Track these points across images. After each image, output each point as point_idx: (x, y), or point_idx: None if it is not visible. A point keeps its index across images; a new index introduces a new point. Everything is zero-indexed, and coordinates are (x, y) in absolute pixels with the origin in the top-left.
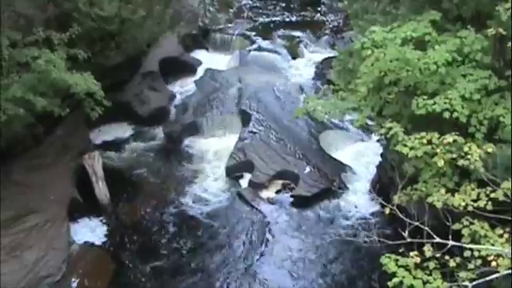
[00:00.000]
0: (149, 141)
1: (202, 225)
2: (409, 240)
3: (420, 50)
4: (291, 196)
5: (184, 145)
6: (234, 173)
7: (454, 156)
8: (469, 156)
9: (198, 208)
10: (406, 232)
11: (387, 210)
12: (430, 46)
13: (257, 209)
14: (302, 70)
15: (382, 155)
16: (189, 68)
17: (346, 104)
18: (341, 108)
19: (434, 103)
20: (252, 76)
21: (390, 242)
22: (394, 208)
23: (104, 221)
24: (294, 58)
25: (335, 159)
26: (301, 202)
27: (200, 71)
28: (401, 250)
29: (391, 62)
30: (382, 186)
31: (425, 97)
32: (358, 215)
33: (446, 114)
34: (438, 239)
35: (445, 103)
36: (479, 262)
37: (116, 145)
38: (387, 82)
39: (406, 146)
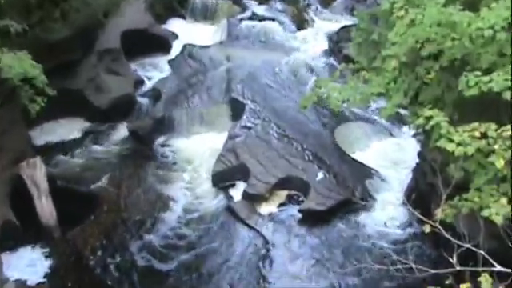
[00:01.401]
0: (109, 141)
1: (179, 254)
2: (458, 268)
3: (470, 10)
4: (299, 211)
5: (155, 146)
6: (222, 181)
7: None
8: None
9: (174, 231)
10: (454, 257)
11: (427, 228)
12: (484, 5)
13: (254, 229)
14: (311, 43)
15: (419, 155)
16: (161, 44)
17: (369, 88)
18: (363, 93)
19: (490, 80)
20: (244, 53)
21: (433, 271)
22: (437, 225)
23: (48, 250)
24: (299, 28)
25: (357, 161)
26: (312, 219)
27: (176, 48)
28: (448, 282)
29: (431, 28)
30: (419, 196)
31: (477, 73)
32: (389, 235)
33: (508, 95)
34: (498, 267)
35: (505, 80)
36: None
37: (65, 147)
38: (425, 55)
39: (451, 141)
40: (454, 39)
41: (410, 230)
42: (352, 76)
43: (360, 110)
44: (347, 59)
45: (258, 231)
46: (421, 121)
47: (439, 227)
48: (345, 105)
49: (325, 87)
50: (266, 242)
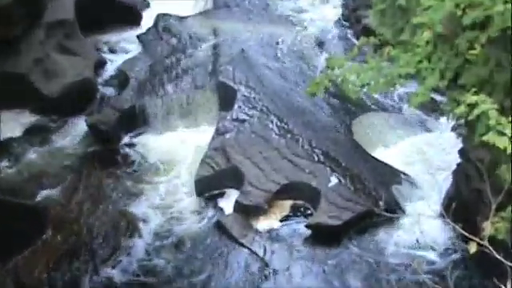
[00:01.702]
0: (61, 140)
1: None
2: None
3: None
4: (307, 227)
5: (122, 145)
6: (208, 190)
7: None
8: None
9: (143, 262)
10: (508, 285)
11: (472, 247)
12: None
13: (249, 249)
14: (320, 12)
15: (460, 153)
16: (128, 14)
17: (396, 68)
18: (388, 75)
19: None
20: (236, 26)
21: None
22: (485, 243)
23: None
24: None
25: (380, 162)
26: (323, 237)
27: (147, 19)
28: None
29: None
30: (461, 206)
31: None
32: (422, 257)
33: None
34: None
35: None
36: None
37: (4, 149)
38: (468, 23)
39: (502, 134)
40: (506, 2)
41: (449, 251)
42: (373, 53)
43: (384, 96)
44: (367, 31)
45: (254, 253)
46: (462, 109)
47: (488, 246)
48: (364, 90)
49: (339, 68)
50: (265, 266)
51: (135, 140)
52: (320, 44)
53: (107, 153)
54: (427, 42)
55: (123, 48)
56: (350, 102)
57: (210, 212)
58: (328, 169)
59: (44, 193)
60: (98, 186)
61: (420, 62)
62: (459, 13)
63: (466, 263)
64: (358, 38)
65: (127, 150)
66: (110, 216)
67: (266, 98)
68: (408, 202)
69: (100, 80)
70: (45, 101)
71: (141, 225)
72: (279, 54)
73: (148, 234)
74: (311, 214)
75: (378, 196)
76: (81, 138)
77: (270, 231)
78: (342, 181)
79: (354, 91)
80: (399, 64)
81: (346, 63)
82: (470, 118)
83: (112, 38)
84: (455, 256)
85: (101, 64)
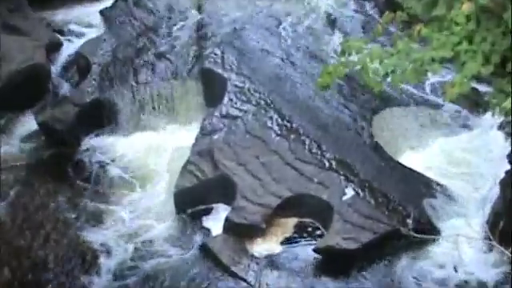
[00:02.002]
0: (3, 143)
1: None
2: None
3: None
4: (316, 250)
5: (82, 149)
6: (191, 205)
7: None
8: None
9: None
10: None
11: None
12: None
13: (243, 280)
14: None
15: (509, 158)
16: None
17: (428, 51)
18: (417, 60)
19: None
20: None
21: None
22: None
23: None
24: None
25: (408, 169)
26: (335, 265)
27: None
28: None
29: None
30: (511, 225)
31: None
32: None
33: None
34: None
35: None
36: None
37: None
38: None
39: None
40: None
41: (496, 278)
42: (400, 33)
43: (412, 86)
44: (391, 5)
45: (248, 284)
46: None
47: None
48: (388, 79)
49: (357, 53)
50: None
51: (98, 143)
52: (332, 21)
53: (62, 159)
54: (467, 18)
55: (83, 26)
56: (370, 94)
57: (194, 234)
58: (342, 178)
59: None
60: (48, 200)
61: (459, 43)
62: None
63: None
64: (380, 13)
65: (88, 155)
66: (64, 243)
67: (263, 90)
68: (443, 220)
69: (54, 66)
70: None
71: (102, 255)
72: (281, 35)
73: (109, 269)
74: (321, 236)
75: (405, 212)
76: (29, 139)
77: (268, 257)
78: (360, 193)
79: (376, 82)
80: (432, 46)
81: (364, 45)
82: None
83: (69, 13)
84: (502, 286)
85: (55, 46)
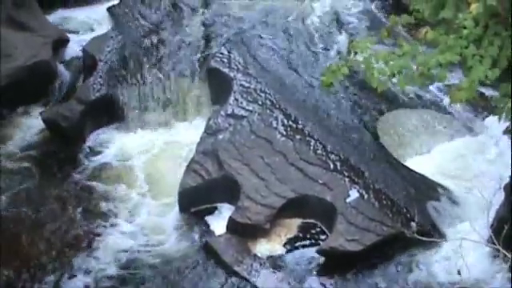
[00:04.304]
0: (9, 139)
1: None
2: None
3: None
4: (319, 252)
5: (87, 146)
6: (195, 204)
7: None
8: None
9: None
10: None
11: None
12: None
13: (246, 280)
14: None
15: None
16: None
17: (435, 54)
18: (425, 63)
19: None
20: None
21: None
22: None
23: None
24: None
25: (413, 172)
26: (339, 267)
27: None
28: None
29: None
30: None
31: None
32: None
33: None
34: None
35: None
36: None
37: None
38: None
39: None
40: None
41: (500, 283)
42: (406, 35)
43: (418, 89)
44: (399, 7)
45: (251, 284)
46: None
47: None
48: (394, 80)
49: (363, 53)
50: None
51: (104, 140)
52: (339, 22)
53: (67, 155)
54: (475, 21)
55: (90, 24)
56: (376, 96)
57: (197, 232)
58: (347, 180)
59: None
60: (54, 197)
61: (466, 46)
62: None
63: None
64: (387, 14)
65: (93, 151)
66: (74, 233)
67: (269, 89)
68: (447, 224)
69: (60, 63)
70: None
71: (111, 240)
72: (287, 34)
73: (119, 253)
74: (325, 237)
75: (409, 215)
76: (34, 135)
77: (271, 257)
78: (365, 195)
79: (381, 83)
80: (440, 49)
81: (370, 47)
82: None
83: (76, 10)
84: None
85: (62, 43)
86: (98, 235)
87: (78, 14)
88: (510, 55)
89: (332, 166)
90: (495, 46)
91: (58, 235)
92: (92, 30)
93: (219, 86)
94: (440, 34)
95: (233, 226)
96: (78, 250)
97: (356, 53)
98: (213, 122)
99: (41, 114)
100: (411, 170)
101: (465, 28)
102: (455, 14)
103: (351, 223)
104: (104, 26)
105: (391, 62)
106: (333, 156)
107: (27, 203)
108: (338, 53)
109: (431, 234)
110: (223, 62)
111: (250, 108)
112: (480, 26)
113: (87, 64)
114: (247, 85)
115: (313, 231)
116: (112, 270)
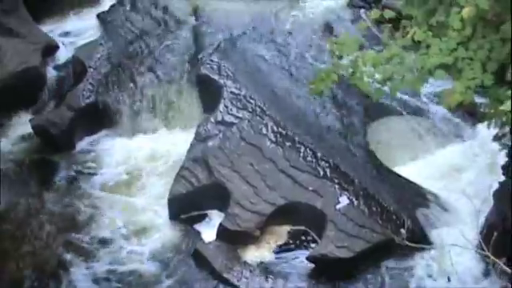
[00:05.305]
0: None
1: None
2: None
3: None
4: (309, 259)
5: (77, 153)
6: (185, 211)
7: None
8: None
9: None
10: None
11: None
12: None
13: (235, 287)
14: None
15: (504, 169)
16: None
17: (424, 57)
18: (414, 67)
19: None
20: (222, 4)
21: None
22: None
23: None
24: None
25: (403, 178)
26: (330, 272)
27: None
28: None
29: None
30: (504, 236)
31: None
32: None
33: None
34: None
35: None
36: None
37: None
38: None
39: None
40: None
41: None
42: (394, 40)
43: (407, 95)
44: (389, 12)
45: None
46: (509, 106)
47: None
48: (385, 88)
49: (348, 56)
50: None
51: (94, 147)
52: (329, 29)
53: (57, 163)
54: (462, 24)
55: (80, 29)
56: (365, 102)
57: (187, 240)
58: (336, 186)
59: None
60: (38, 206)
61: (454, 50)
62: None
63: None
64: (376, 22)
65: (83, 159)
66: (62, 241)
67: (259, 97)
68: (437, 230)
69: (50, 70)
70: None
71: (100, 250)
72: (277, 42)
73: (107, 263)
74: (314, 244)
75: (399, 222)
76: (23, 142)
77: (261, 264)
78: (354, 202)
79: (377, 90)
80: (430, 51)
81: (354, 46)
82: None
83: (66, 17)
84: None
85: (51, 49)
86: (84, 242)
87: (68, 21)
88: (501, 59)
89: (322, 172)
90: (485, 48)
91: (43, 242)
92: (82, 36)
93: (209, 93)
94: (428, 35)
95: (223, 232)
96: (60, 258)
97: (341, 57)
98: (202, 129)
99: (30, 120)
100: (401, 177)
101: (453, 30)
102: (447, 18)
103: (341, 230)
104: (94, 33)
105: (380, 66)
106: (323, 163)
107: (14, 211)
108: (328, 59)
109: (421, 241)
110: (213, 68)
111: (240, 115)
112: (468, 27)
113: (77, 71)
114: (237, 92)
115: (303, 238)
116: (98, 277)
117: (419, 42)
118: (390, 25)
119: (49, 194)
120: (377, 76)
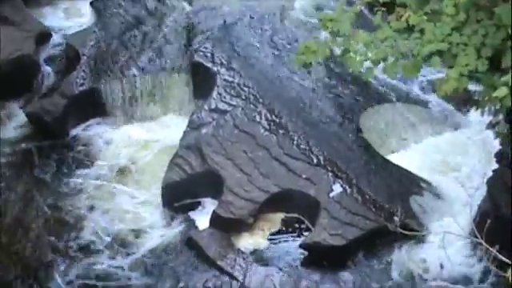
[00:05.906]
0: None
1: None
2: None
3: None
4: (302, 246)
5: (70, 140)
6: (179, 199)
7: None
8: None
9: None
10: None
11: (510, 274)
12: None
13: (229, 275)
14: None
15: (498, 157)
16: None
17: (419, 45)
18: (408, 51)
19: None
20: None
21: None
22: None
23: None
24: None
25: (396, 166)
26: (323, 260)
27: None
28: None
29: None
30: (497, 223)
31: None
32: (446, 286)
33: None
34: None
35: None
36: None
37: None
38: None
39: None
40: None
41: (481, 277)
42: (378, 16)
43: (400, 83)
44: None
45: (234, 278)
46: (503, 92)
47: None
48: (380, 76)
49: (336, 30)
50: None
51: (87, 134)
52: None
53: (50, 150)
54: (456, 9)
55: (73, 16)
56: (358, 90)
57: (180, 227)
58: (330, 174)
59: None
60: (38, 193)
61: (449, 35)
62: None
63: None
64: (372, 10)
65: (76, 146)
66: (55, 229)
67: (253, 84)
68: (430, 217)
69: (43, 57)
70: None
71: (93, 236)
72: (272, 29)
73: (100, 249)
74: (308, 231)
75: (392, 209)
76: (16, 130)
77: (255, 252)
78: (348, 190)
79: (368, 71)
80: (424, 37)
81: (347, 25)
82: None
83: (58, 4)
84: (488, 284)
85: (44, 37)
86: (78, 229)
87: (62, 8)
88: (495, 44)
89: (315, 160)
90: (479, 34)
91: (39, 231)
92: (75, 23)
93: (203, 81)
94: (422, 21)
95: (216, 220)
96: (55, 247)
97: (338, 32)
98: (196, 117)
99: (24, 108)
100: (394, 165)
101: (447, 15)
102: (441, 7)
103: (334, 218)
104: (87, 20)
105: (372, 45)
106: (316, 151)
107: (7, 197)
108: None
109: (414, 228)
110: (207, 56)
111: (234, 102)
112: (462, 13)
113: (70, 58)
114: (231, 79)
115: (296, 225)
116: (93, 264)
117: (413, 26)
118: (383, 8)
119: (42, 180)
120: (370, 55)
